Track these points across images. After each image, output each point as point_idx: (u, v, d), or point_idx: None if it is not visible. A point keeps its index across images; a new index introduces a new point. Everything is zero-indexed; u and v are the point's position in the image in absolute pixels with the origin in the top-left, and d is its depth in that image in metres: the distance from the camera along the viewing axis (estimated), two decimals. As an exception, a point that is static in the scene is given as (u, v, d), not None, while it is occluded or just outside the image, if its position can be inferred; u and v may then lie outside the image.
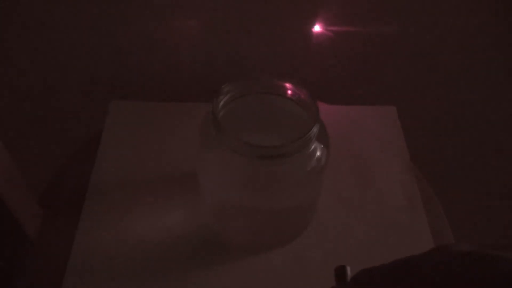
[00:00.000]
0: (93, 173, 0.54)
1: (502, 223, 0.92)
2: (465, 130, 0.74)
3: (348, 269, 0.31)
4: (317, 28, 0.61)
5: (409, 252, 0.27)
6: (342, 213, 0.53)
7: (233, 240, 0.49)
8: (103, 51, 0.62)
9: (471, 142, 0.76)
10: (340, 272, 0.31)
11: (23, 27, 0.58)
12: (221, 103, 0.44)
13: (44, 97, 0.65)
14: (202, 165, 0.46)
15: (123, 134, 0.58)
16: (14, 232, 0.49)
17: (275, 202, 0.45)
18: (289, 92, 0.46)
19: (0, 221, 0.49)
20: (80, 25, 0.59)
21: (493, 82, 0.68)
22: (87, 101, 0.66)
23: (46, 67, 0.63)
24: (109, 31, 0.59)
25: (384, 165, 0.57)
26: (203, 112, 0.46)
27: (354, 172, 0.56)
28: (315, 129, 0.41)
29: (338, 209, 0.53)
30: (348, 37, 0.62)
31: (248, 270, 0.48)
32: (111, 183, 0.53)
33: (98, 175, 0.54)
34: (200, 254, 0.48)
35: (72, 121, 0.68)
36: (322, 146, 0.43)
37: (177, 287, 0.46)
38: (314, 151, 0.43)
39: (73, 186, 0.54)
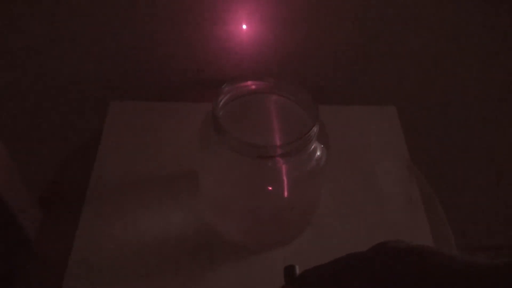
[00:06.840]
0: (93, 173, 0.54)
1: (501, 223, 0.92)
2: (465, 130, 0.74)
3: (297, 268, 0.32)
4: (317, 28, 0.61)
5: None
6: (342, 213, 0.53)
7: (233, 240, 0.49)
8: (103, 51, 0.62)
9: (471, 142, 0.76)
10: (289, 271, 0.32)
11: (22, 27, 0.58)
12: (221, 103, 0.44)
13: (44, 97, 0.65)
14: (202, 165, 0.46)
15: (123, 134, 0.58)
16: (14, 233, 0.50)
17: (275, 202, 0.45)
18: (289, 92, 0.46)
19: (0, 221, 0.49)
20: (80, 25, 0.59)
21: (493, 82, 0.68)
22: (87, 101, 0.66)
23: (46, 67, 0.63)
24: (109, 31, 0.59)
25: (384, 165, 0.57)
26: (203, 112, 0.46)
27: (354, 172, 0.56)
28: (315, 129, 0.41)
29: (338, 209, 0.53)
30: (348, 37, 0.62)
31: (248, 270, 0.48)
32: (111, 183, 0.54)
33: (98, 175, 0.54)
34: (200, 254, 0.48)
35: (71, 121, 0.68)
36: (322, 146, 0.43)
37: (177, 287, 0.46)
38: (314, 151, 0.43)
39: (73, 186, 0.54)
